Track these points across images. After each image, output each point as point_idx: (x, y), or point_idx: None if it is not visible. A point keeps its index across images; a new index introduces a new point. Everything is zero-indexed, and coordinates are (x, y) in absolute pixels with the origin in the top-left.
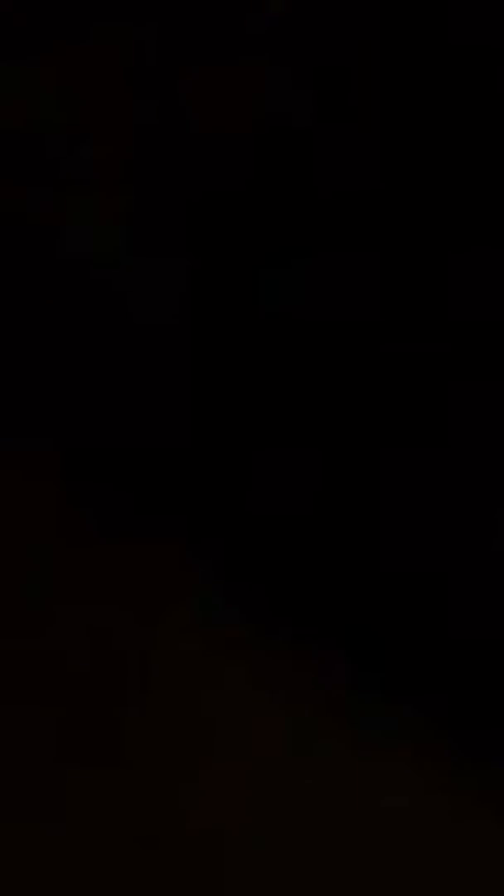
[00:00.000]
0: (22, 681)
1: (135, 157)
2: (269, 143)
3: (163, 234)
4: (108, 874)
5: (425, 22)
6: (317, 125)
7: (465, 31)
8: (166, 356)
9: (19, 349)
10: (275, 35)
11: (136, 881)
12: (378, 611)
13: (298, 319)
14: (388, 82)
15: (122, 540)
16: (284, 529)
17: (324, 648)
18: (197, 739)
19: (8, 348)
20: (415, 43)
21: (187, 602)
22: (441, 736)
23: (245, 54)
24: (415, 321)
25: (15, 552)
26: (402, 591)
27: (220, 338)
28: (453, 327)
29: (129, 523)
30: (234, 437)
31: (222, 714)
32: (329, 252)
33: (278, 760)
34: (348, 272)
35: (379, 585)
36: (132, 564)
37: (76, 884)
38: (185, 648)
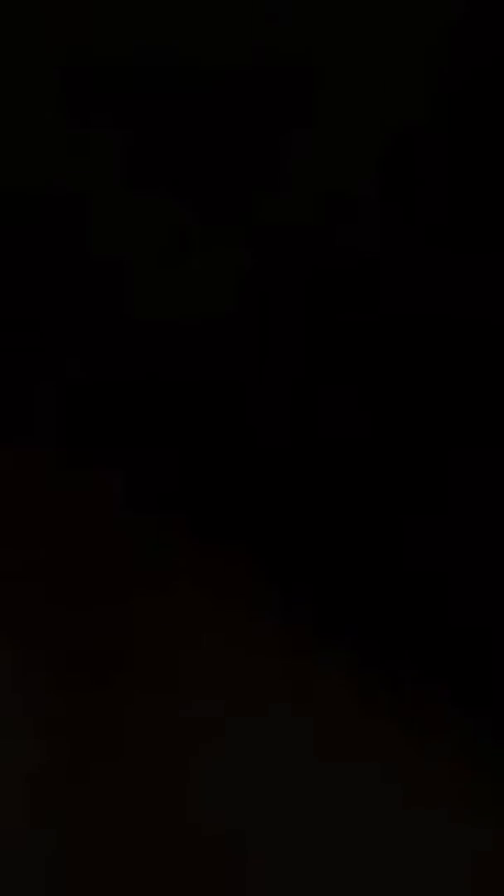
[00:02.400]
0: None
1: None
2: None
3: None
4: (108, 870)
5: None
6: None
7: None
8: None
9: None
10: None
11: (135, 878)
12: (380, 592)
13: None
14: None
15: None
16: (283, 512)
17: (326, 637)
18: (195, 732)
19: None
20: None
21: (187, 589)
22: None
23: None
24: None
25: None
26: (400, 575)
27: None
28: None
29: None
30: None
31: (220, 702)
32: None
33: (278, 753)
34: None
35: (380, 569)
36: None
37: (76, 882)
38: (182, 637)
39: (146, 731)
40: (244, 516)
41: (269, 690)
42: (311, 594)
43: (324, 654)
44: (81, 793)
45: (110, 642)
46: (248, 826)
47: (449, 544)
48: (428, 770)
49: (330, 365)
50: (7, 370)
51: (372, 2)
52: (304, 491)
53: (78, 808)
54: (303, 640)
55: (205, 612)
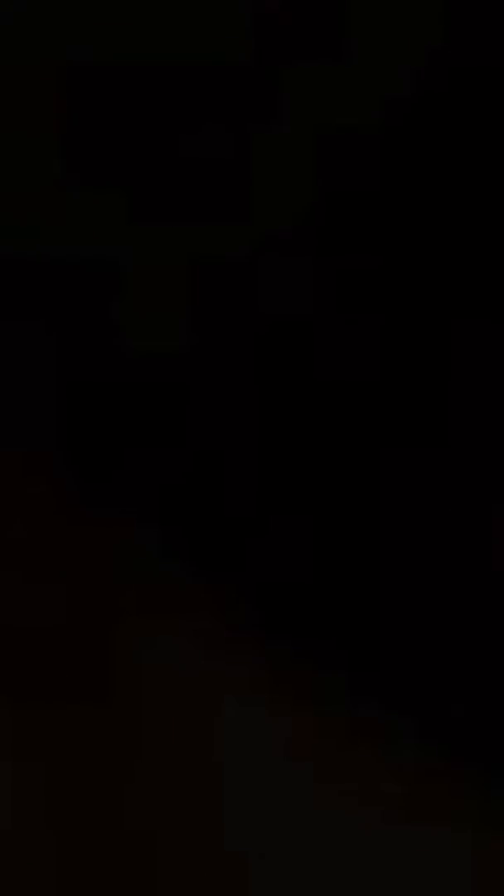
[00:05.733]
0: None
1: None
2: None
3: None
4: (109, 875)
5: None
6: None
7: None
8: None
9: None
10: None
11: (135, 881)
12: (377, 617)
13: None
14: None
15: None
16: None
17: (323, 652)
18: (197, 741)
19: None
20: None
21: (185, 607)
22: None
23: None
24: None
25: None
26: (400, 597)
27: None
28: None
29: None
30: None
31: (221, 716)
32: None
33: (278, 763)
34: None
35: (377, 591)
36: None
37: (74, 884)
38: (182, 653)
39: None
40: (240, 552)
41: (268, 734)
42: (305, 627)
43: (315, 685)
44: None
45: (101, 672)
46: (251, 849)
47: (447, 575)
48: (424, 791)
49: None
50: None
51: None
52: (301, 523)
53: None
54: (295, 673)
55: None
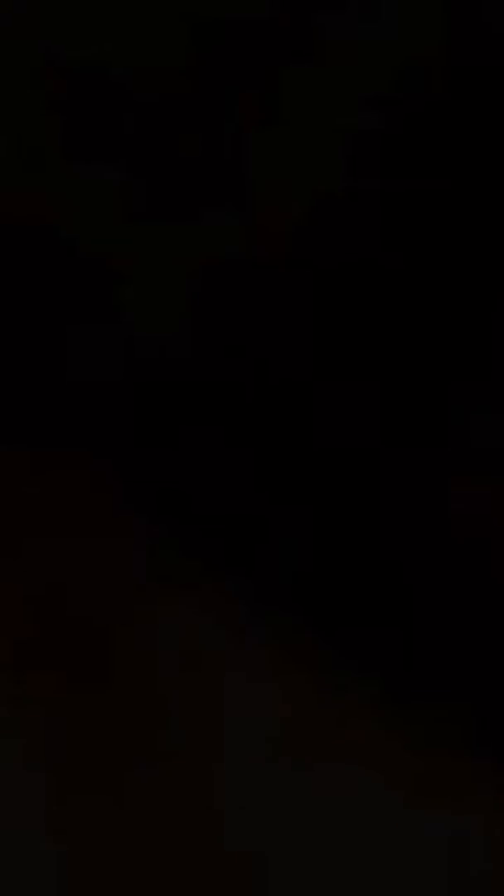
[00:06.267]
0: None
1: None
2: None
3: None
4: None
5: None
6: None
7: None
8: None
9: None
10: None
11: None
12: (380, 607)
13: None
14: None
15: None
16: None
17: (326, 631)
18: (200, 721)
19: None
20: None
21: (187, 587)
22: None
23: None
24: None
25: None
26: (400, 585)
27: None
28: None
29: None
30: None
31: (223, 695)
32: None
33: (281, 741)
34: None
35: (378, 579)
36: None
37: (74, 873)
38: (184, 633)
39: (147, 753)
40: (239, 537)
41: (266, 707)
42: (308, 606)
43: (318, 663)
44: (89, 812)
45: (103, 654)
46: (267, 845)
47: (451, 563)
48: (432, 779)
49: (333, 367)
50: (6, 372)
51: None
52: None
53: (87, 825)
54: (301, 658)
55: (197, 631)
